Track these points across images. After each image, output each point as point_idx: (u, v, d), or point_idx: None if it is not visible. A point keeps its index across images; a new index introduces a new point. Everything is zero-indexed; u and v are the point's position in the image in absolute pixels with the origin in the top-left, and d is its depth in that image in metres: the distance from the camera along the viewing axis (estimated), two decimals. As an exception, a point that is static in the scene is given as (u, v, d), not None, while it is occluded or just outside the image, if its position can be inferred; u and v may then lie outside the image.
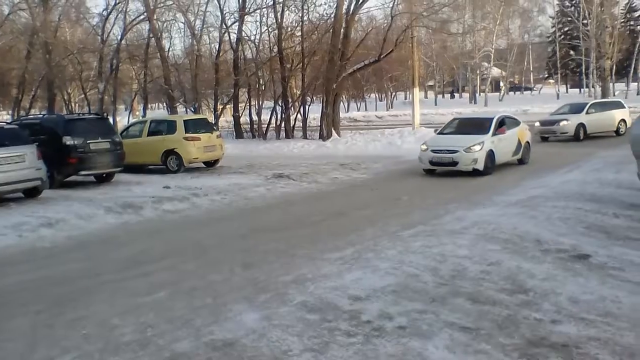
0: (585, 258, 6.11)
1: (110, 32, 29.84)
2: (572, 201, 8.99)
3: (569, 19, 52.22)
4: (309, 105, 24.66)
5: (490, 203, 9.62)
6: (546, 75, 67.53)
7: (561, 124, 20.14)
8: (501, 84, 59.37)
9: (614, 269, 5.73)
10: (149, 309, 5.44)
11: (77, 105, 37.92)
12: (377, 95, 59.80)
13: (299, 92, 25.83)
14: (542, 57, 65.28)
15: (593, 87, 46.88)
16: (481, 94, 52.03)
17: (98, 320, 5.22)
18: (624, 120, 20.64)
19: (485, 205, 9.42)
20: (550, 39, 58.65)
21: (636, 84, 48.92)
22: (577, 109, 21.07)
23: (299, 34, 23.97)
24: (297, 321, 4.81)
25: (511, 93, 64.26)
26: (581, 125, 20.06)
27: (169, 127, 16.41)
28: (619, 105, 21.64)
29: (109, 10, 28.99)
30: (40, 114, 26.14)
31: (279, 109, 24.37)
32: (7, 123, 15.07)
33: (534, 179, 12.32)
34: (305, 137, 23.24)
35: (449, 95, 58.21)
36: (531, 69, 65.95)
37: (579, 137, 19.87)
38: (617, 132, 20.69)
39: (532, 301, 4.99)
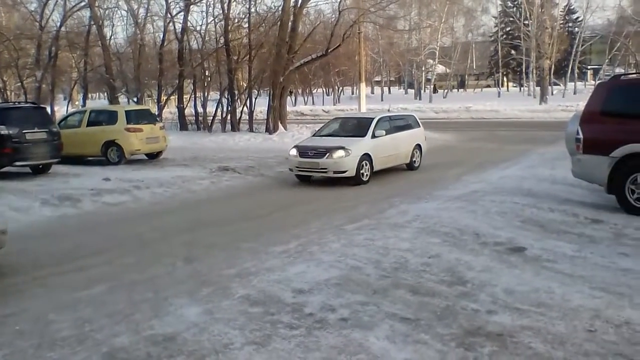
0: (520, 251, 6.31)
1: (49, 18, 28.69)
2: (510, 196, 9.26)
3: (511, 19, 53.72)
4: (256, 98, 24.48)
5: (432, 197, 9.81)
6: (488, 74, 69.25)
7: (334, 155, 11.86)
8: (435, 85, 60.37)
9: (548, 261, 5.94)
10: (86, 303, 5.30)
11: (12, 93, 36.36)
12: (324, 90, 59.99)
13: (245, 85, 25.62)
14: (485, 55, 66.93)
15: (532, 86, 48.52)
16: (426, 90, 52.94)
17: (32, 316, 5.05)
18: (419, 147, 14.22)
19: (427, 200, 9.60)
20: (492, 38, 60.23)
21: (573, 84, 50.81)
22: (357, 127, 13.25)
23: (246, 25, 23.78)
24: (240, 314, 4.78)
25: (454, 90, 65.59)
26: (366, 157, 12.23)
27: (110, 117, 15.96)
28: (412, 123, 14.45)
29: (47, -5, 27.90)
30: (-28, 102, 24.97)
31: (225, 101, 24.09)
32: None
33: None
34: (251, 130, 23.09)
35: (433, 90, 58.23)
36: (474, 67, 67.51)
37: (362, 178, 12.09)
38: (411, 164, 13.94)
39: (469, 292, 5.12)
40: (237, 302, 5.08)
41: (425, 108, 37.38)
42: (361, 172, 12.02)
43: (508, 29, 58.99)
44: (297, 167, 12.43)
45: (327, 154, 11.87)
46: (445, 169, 13.77)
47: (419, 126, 14.48)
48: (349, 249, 6.59)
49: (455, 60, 55.00)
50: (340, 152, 11.84)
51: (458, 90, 66.43)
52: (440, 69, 60.59)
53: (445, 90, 57.03)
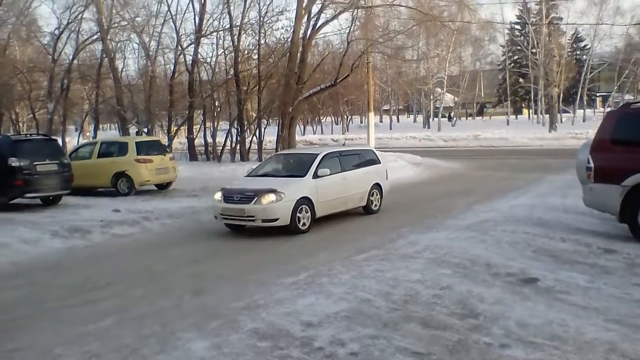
0: (533, 282, 6.22)
1: (61, 51, 29.25)
2: (521, 225, 9.18)
3: (519, 47, 54.08)
4: (265, 128, 24.61)
5: (442, 227, 9.73)
6: (496, 102, 69.46)
7: (263, 200, 9.97)
8: (452, 112, 60.76)
9: (561, 293, 5.85)
10: (94, 337, 5.26)
11: (25, 125, 36.85)
12: (333, 119, 60.32)
13: (255, 115, 25.79)
14: (493, 84, 67.22)
15: (541, 113, 48.53)
16: (434, 118, 53.08)
17: (40, 350, 5.02)
18: (378, 187, 12.22)
19: (437, 230, 9.53)
20: (500, 66, 60.58)
21: (582, 111, 50.79)
22: (297, 166, 11.26)
23: (256, 57, 24.02)
24: (248, 349, 4.72)
25: (463, 118, 65.74)
26: (305, 202, 10.31)
27: (120, 148, 16.08)
28: (370, 159, 12.50)
29: (61, 30, 28.44)
30: (-15, 134, 25.27)
31: (234, 131, 24.24)
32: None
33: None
34: (260, 159, 23.08)
35: (447, 117, 58.80)
36: (482, 96, 67.73)
37: (299, 226, 10.16)
38: (368, 207, 11.95)
39: (482, 325, 5.03)
40: (245, 336, 5.02)
41: (434, 136, 37.46)
42: (298, 219, 10.04)
43: (516, 57, 59.33)
44: (222, 215, 10.34)
45: (255, 199, 9.87)
46: (454, 198, 13.65)
47: (379, 162, 12.61)
48: (358, 280, 6.52)
49: (463, 89, 55.23)
50: (271, 197, 9.84)
51: (474, 118, 66.44)
52: (449, 97, 60.85)
53: (454, 118, 57.15)
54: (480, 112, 70.09)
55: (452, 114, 60.28)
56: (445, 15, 31.04)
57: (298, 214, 10.06)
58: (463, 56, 54.82)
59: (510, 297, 5.76)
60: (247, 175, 11.57)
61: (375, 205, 12.13)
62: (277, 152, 14.02)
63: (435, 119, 52.38)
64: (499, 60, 61.18)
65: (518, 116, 64.29)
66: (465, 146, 33.09)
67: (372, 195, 12.02)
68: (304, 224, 10.19)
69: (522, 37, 54.95)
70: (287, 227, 9.99)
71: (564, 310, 5.33)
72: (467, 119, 65.38)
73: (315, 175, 10.61)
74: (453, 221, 10.23)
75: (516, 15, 56.83)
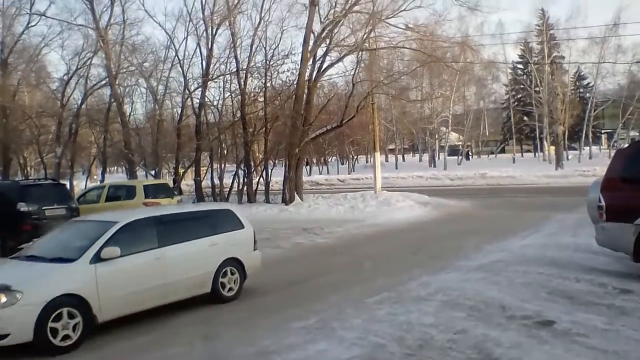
0: (549, 324, 6.09)
1: (70, 96, 29.78)
2: (533, 265, 9.05)
3: (522, 86, 54.55)
4: (272, 169, 24.70)
5: (453, 268, 9.61)
6: (501, 140, 69.67)
7: None
8: (470, 150, 61.20)
9: (579, 335, 5.71)
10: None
11: (32, 169, 37.19)
12: (338, 159, 60.56)
13: (261, 156, 25.92)
14: (498, 122, 67.56)
15: (547, 151, 48.58)
16: (440, 157, 53.20)
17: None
18: (236, 263, 8.75)
19: (448, 271, 9.40)
20: (504, 105, 60.97)
21: (588, 148, 50.84)
22: (75, 240, 7.69)
23: (262, 99, 24.27)
24: (260, 398, 4.60)
25: (460, 157, 65.95)
26: (72, 303, 6.60)
27: (128, 192, 16.17)
28: (225, 224, 8.95)
29: (70, 75, 29.02)
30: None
31: (241, 172, 24.33)
32: (-41, 189, 14.62)
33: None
34: (267, 201, 23.15)
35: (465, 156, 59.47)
36: (487, 134, 68.01)
37: (51, 343, 6.35)
38: (217, 294, 8.39)
39: (500, 371, 4.90)
40: (257, 385, 4.90)
41: (440, 175, 37.45)
42: (54, 331, 6.35)
43: (519, 95, 59.75)
44: None
45: None
46: (463, 238, 13.50)
47: (242, 226, 9.03)
48: (370, 324, 6.40)
49: (468, 128, 55.49)
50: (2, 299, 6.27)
51: (496, 156, 66.54)
52: (454, 136, 61.10)
53: (460, 157, 57.26)
54: (502, 150, 69.69)
55: (470, 152, 60.54)
56: (448, 56, 31.32)
57: (53, 324, 6.34)
58: (467, 95, 55.24)
59: (527, 340, 5.63)
60: (12, 257, 8.01)
61: (231, 289, 8.49)
62: (73, 219, 10.01)
63: (440, 157, 52.49)
64: (502, 99, 61.60)
65: (524, 154, 64.37)
66: (472, 185, 33.03)
67: (224, 276, 8.41)
68: (66, 338, 6.40)
69: (525, 76, 55.46)
70: (34, 343, 6.25)
71: (583, 354, 5.20)
72: (488, 156, 65.42)
73: (98, 259, 6.98)
74: (464, 262, 10.10)
75: (518, 55, 57.46)
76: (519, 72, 58.24)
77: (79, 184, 32.78)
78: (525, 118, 57.07)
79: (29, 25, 28.39)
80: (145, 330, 7.04)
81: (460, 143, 62.04)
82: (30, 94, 33.81)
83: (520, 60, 57.50)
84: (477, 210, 19.99)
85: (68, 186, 21.20)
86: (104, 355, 6.09)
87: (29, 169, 35.00)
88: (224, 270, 8.45)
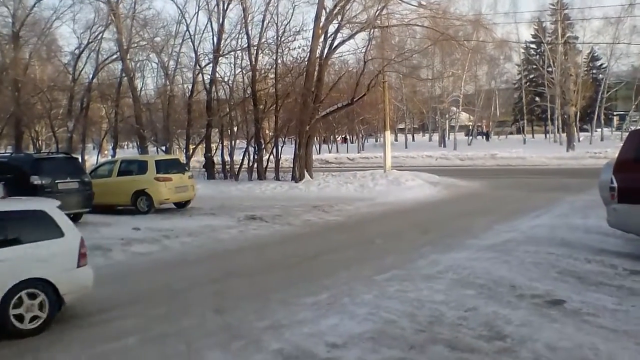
0: (560, 304, 6.13)
1: (81, 70, 29.79)
2: (543, 246, 9.08)
3: (534, 66, 53.97)
4: (282, 147, 24.69)
5: (463, 247, 9.64)
6: (512, 121, 69.13)
7: None
8: (489, 130, 60.91)
9: (589, 315, 5.76)
10: (118, 356, 5.25)
11: (44, 143, 37.37)
12: (348, 137, 60.40)
13: (271, 134, 25.91)
14: (509, 102, 66.98)
15: (558, 132, 48.22)
16: (450, 137, 52.94)
17: (64, 369, 5.01)
18: (46, 287, 6.26)
19: (458, 250, 9.44)
20: (516, 85, 60.42)
21: (600, 130, 50.42)
22: None
23: (273, 76, 24.18)
24: (273, 370, 4.69)
25: (479, 137, 65.48)
26: None
27: (140, 167, 16.22)
28: (33, 229, 6.52)
29: (81, 49, 28.98)
30: (7, 152, 25.67)
31: (251, 149, 24.36)
32: (-27, 161, 14.73)
33: None
34: (277, 178, 23.19)
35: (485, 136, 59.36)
36: (498, 114, 67.48)
37: None
38: (6, 327, 5.96)
39: (510, 348, 4.96)
40: (270, 357, 4.99)
41: (450, 155, 37.34)
42: None
43: (531, 76, 59.17)
44: None
45: None
46: (474, 217, 13.51)
47: (59, 235, 6.61)
48: (381, 301, 6.47)
49: (479, 108, 55.11)
50: None
51: (507, 137, 66.00)
52: (464, 116, 60.69)
53: (470, 137, 56.94)
54: (522, 131, 68.87)
55: (489, 132, 60.28)
56: (461, 34, 30.88)
57: None
58: (479, 75, 54.73)
59: (537, 319, 5.67)
60: None
61: (35, 318, 6.12)
62: None
63: (450, 137, 52.23)
64: (514, 79, 61.03)
65: (535, 135, 63.91)
66: (482, 165, 32.94)
67: (17, 306, 6.04)
68: None
69: (538, 56, 54.82)
70: None
71: (593, 333, 5.24)
72: (507, 137, 64.97)
73: None
74: (474, 241, 10.13)
75: (532, 35, 56.72)
76: (532, 51, 57.55)
77: (90, 159, 32.94)
78: (537, 99, 56.55)
79: (40, -2, 28.32)
80: (157, 303, 7.13)
81: (470, 123, 61.72)
82: (41, 67, 33.84)
83: (534, 39, 56.78)
84: (487, 190, 19.96)
85: (80, 160, 21.32)
86: (118, 328, 6.17)
87: (40, 142, 35.16)
88: (17, 296, 6.02)
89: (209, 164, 25.19)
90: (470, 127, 59.78)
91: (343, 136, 59.83)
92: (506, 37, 47.90)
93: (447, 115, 54.13)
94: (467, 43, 31.18)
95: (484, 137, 59.58)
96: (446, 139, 53.76)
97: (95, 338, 5.82)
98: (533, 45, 57.97)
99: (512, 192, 18.85)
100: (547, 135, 58.25)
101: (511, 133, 66.99)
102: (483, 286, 6.84)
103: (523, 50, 56.99)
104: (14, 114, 28.29)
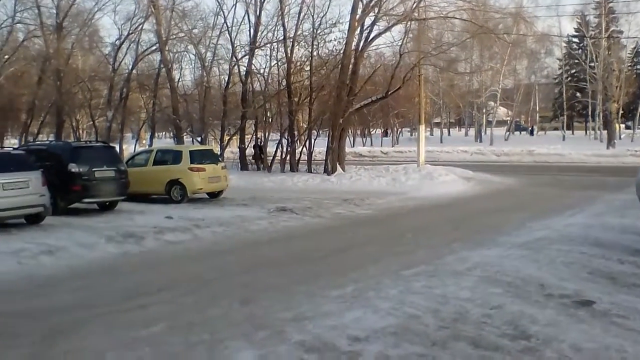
0: (588, 304, 6.01)
1: (121, 61, 30.40)
2: (576, 245, 8.90)
3: (576, 61, 52.70)
4: (315, 139, 24.74)
5: (494, 244, 9.52)
6: (552, 117, 67.71)
7: None
8: (534, 126, 60.00)
9: (618, 317, 5.63)
10: (145, 343, 5.35)
11: (84, 132, 38.26)
12: (383, 131, 60.12)
13: (305, 126, 25.98)
14: (549, 98, 65.59)
15: (599, 129, 47.04)
16: (486, 132, 52.18)
17: (92, 354, 5.15)
18: None
19: (489, 247, 9.33)
20: (557, 80, 59.10)
21: (642, 127, 49.06)
22: None
23: (308, 68, 24.22)
24: (294, 361, 4.72)
25: (517, 133, 64.35)
26: None
27: (175, 157, 16.48)
28: None
29: (121, 40, 29.58)
30: (47, 140, 26.39)
31: (284, 141, 24.48)
32: (14, 148, 15.21)
33: None
34: (310, 171, 23.27)
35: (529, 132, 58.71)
36: (537, 110, 66.18)
37: None
38: None
39: (534, 348, 4.89)
40: (292, 348, 5.02)
41: (486, 151, 36.87)
42: None
43: (573, 71, 57.82)
44: None
45: None
46: (506, 214, 13.34)
47: None
48: (406, 296, 6.44)
49: (517, 103, 54.14)
50: None
51: (520, 133, 65.01)
52: (502, 111, 59.70)
53: (507, 133, 55.98)
54: (570, 127, 67.16)
55: (534, 127, 59.33)
56: (500, 27, 30.45)
57: None
58: (518, 69, 53.75)
59: (564, 319, 5.57)
60: None
61: None
62: None
63: (487, 132, 51.46)
64: (555, 74, 59.71)
65: (575, 132, 62.49)
66: (519, 161, 32.39)
67: None
68: None
69: (580, 50, 53.51)
70: None
71: (622, 336, 5.12)
72: (545, 132, 63.98)
73: None
74: (505, 238, 10.00)
75: (574, 28, 55.40)
76: (574, 46, 56.21)
77: (128, 148, 33.60)
78: (577, 94, 55.23)
79: (83, -10, 28.93)
80: (185, 292, 7.25)
81: (508, 118, 60.72)
82: (83, 57, 34.62)
83: (576, 33, 55.37)
84: (522, 187, 19.65)
85: (118, 149, 21.76)
86: (146, 316, 6.30)
87: (81, 131, 36.02)
88: None
89: (242, 155, 25.42)
90: (509, 122, 58.79)
91: (384, 129, 59.57)
92: (547, 31, 47.01)
93: (484, 110, 53.34)
94: (506, 36, 30.73)
95: (529, 132, 58.40)
96: (482, 133, 53.01)
97: (123, 324, 5.95)
98: (575, 40, 56.60)
99: (547, 189, 18.52)
100: (587, 132, 56.87)
101: (556, 129, 65.44)
102: (511, 284, 6.75)
103: (565, 45, 55.68)
104: (55, 103, 29.06)
